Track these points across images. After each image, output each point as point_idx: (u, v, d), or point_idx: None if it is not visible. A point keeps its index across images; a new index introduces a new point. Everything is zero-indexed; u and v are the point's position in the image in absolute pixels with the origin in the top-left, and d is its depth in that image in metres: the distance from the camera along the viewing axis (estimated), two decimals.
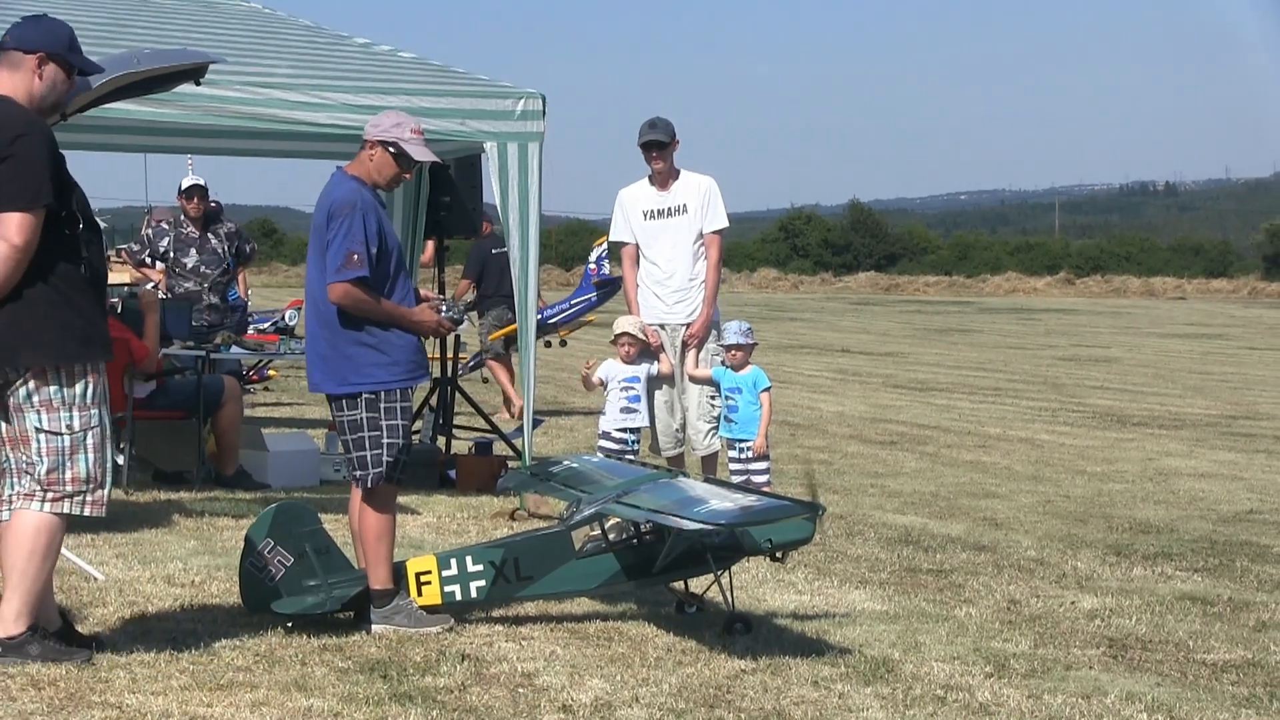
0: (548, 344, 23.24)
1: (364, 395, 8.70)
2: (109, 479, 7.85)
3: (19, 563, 7.61)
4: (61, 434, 7.65)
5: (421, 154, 9.01)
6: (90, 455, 7.71)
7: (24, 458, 7.67)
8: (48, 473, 7.64)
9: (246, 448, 14.20)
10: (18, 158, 7.47)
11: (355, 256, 8.56)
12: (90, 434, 7.71)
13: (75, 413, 7.68)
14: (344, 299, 8.62)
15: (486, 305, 20.44)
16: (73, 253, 7.67)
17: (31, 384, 7.62)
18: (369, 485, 8.73)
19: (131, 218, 40.00)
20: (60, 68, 7.76)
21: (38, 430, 7.63)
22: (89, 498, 7.73)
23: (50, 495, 7.66)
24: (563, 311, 22.92)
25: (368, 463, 8.72)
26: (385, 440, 8.71)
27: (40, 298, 7.57)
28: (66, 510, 7.69)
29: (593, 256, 23.02)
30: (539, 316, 22.70)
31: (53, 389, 7.64)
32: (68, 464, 7.67)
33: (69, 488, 7.67)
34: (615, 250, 12.99)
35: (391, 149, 8.89)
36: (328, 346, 8.75)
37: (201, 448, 13.95)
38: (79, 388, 7.68)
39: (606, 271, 22.62)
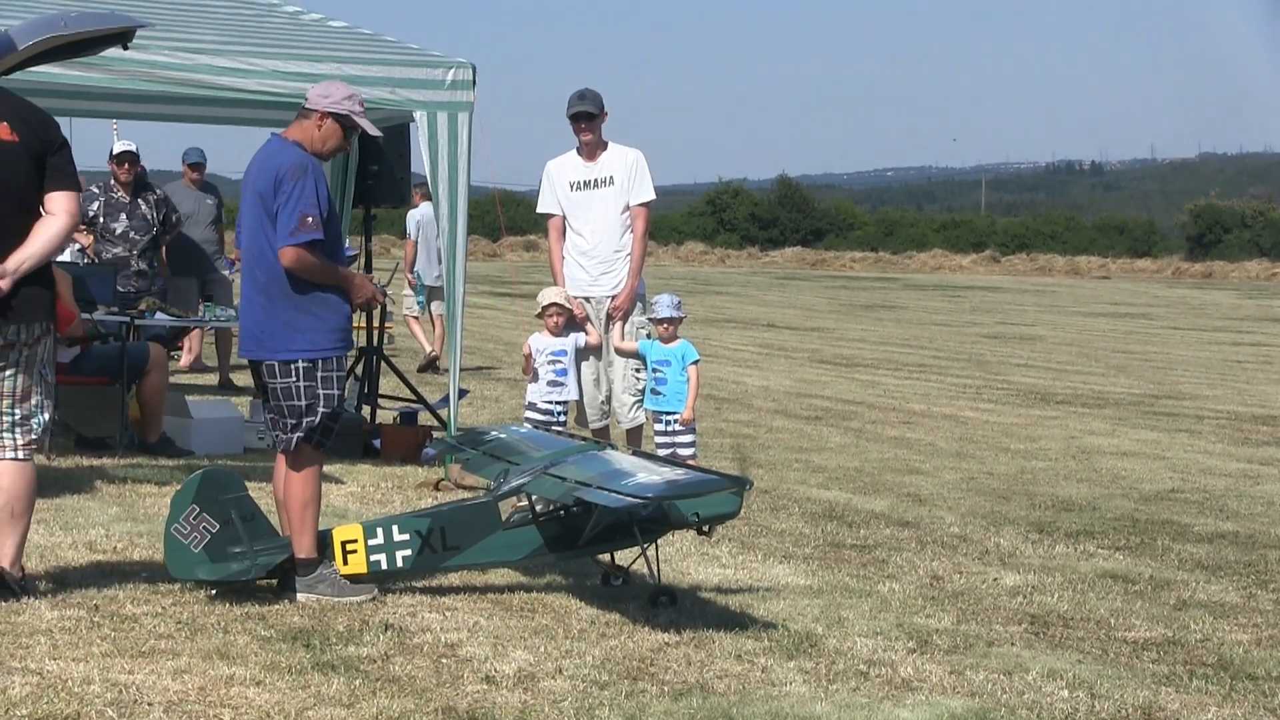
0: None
1: (300, 363, 8.67)
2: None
3: (22, 508, 8.15)
4: (50, 384, 8.29)
5: (373, 129, 9.07)
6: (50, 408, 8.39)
7: (19, 411, 8.15)
8: (28, 420, 8.20)
9: (170, 414, 14.11)
10: (68, 147, 8.21)
11: (309, 219, 8.54)
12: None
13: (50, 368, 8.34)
14: (296, 263, 8.58)
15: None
16: None
17: (48, 340, 8.22)
18: (291, 449, 8.73)
19: None
20: None
21: (43, 381, 8.22)
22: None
23: (31, 444, 8.27)
24: None
25: (300, 428, 8.70)
26: (320, 409, 8.70)
27: None
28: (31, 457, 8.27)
29: None
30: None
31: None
32: (43, 412, 8.28)
33: (37, 435, 8.30)
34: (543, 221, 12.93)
35: (344, 121, 8.88)
36: (264, 313, 8.71)
37: (125, 414, 13.86)
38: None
39: None
